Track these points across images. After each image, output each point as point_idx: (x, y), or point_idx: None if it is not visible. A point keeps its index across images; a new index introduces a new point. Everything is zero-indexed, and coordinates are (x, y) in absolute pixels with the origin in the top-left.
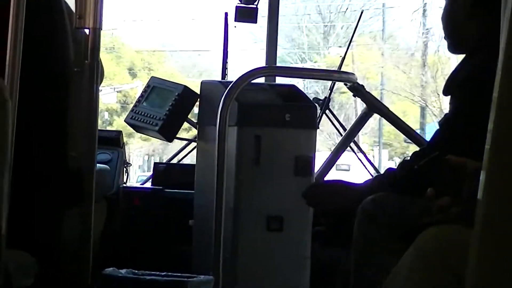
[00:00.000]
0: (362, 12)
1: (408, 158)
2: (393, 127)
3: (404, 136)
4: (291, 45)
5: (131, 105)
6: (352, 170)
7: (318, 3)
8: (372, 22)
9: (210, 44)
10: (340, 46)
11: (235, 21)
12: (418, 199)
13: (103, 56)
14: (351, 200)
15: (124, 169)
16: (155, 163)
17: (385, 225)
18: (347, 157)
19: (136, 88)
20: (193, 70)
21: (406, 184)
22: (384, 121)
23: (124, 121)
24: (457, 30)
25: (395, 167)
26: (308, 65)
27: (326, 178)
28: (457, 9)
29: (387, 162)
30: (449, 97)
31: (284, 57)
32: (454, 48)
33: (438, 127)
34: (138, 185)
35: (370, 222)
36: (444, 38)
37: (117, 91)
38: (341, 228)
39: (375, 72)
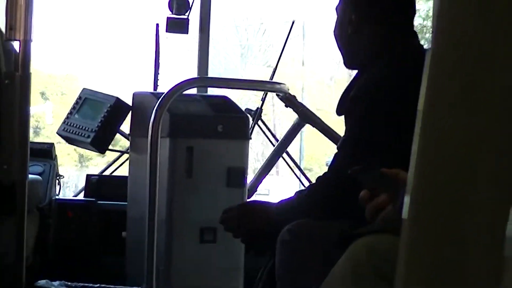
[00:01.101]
0: (293, 22)
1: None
2: (313, 151)
3: (326, 160)
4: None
5: (43, 130)
6: (272, 194)
7: (236, 25)
8: (291, 42)
9: (129, 62)
10: (256, 65)
11: (166, 31)
12: (334, 222)
13: None
14: (266, 222)
15: (57, 181)
16: (87, 175)
17: (305, 253)
18: (266, 181)
19: (45, 112)
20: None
21: (332, 198)
22: (305, 144)
23: (56, 133)
24: (347, 45)
25: (303, 189)
26: None
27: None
28: (346, 24)
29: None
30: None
31: None
32: (346, 63)
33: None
34: (71, 196)
35: (289, 253)
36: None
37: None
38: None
39: (296, 89)
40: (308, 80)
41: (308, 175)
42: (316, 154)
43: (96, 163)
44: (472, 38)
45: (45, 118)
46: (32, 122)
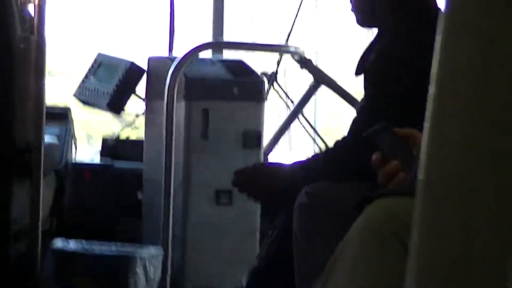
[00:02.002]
0: None
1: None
2: (328, 124)
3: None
4: None
5: None
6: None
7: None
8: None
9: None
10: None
11: None
12: (352, 184)
13: None
14: (281, 182)
15: (73, 143)
16: (103, 138)
17: (323, 217)
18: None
19: None
20: None
21: (350, 161)
22: (318, 117)
23: (73, 95)
24: (365, 2)
25: (320, 152)
26: None
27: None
28: None
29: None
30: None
31: None
32: (360, 21)
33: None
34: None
35: (307, 216)
36: (351, 10)
37: None
38: (279, 204)
39: (310, 54)
40: (324, 44)
41: (322, 147)
42: (330, 127)
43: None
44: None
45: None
46: None
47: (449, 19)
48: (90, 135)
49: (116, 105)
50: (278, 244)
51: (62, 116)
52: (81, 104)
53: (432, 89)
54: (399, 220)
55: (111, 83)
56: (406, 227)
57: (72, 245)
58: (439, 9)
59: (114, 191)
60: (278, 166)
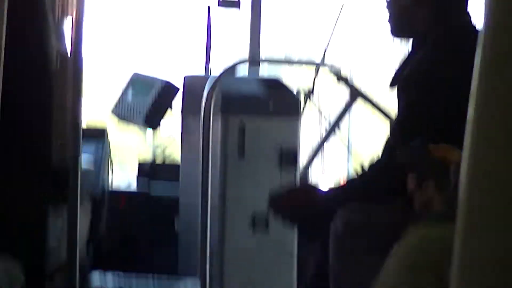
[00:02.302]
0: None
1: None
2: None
3: None
4: None
5: None
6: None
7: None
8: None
9: None
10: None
11: (218, 6)
12: (387, 207)
13: None
14: (317, 209)
15: (109, 167)
16: (139, 163)
17: (358, 242)
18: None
19: None
20: None
21: (383, 183)
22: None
23: (110, 112)
24: (401, 12)
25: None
26: None
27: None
28: None
29: None
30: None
31: None
32: (396, 31)
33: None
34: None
35: (342, 242)
36: (388, 21)
37: None
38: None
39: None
40: (357, 62)
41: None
42: (365, 144)
43: None
44: None
45: None
46: None
47: (489, 38)
48: (121, 160)
49: (153, 121)
50: (316, 269)
51: (98, 137)
52: (113, 126)
53: (471, 110)
54: (437, 250)
55: (147, 100)
56: (443, 256)
57: (110, 280)
58: (474, 25)
59: (150, 219)
60: (313, 189)
